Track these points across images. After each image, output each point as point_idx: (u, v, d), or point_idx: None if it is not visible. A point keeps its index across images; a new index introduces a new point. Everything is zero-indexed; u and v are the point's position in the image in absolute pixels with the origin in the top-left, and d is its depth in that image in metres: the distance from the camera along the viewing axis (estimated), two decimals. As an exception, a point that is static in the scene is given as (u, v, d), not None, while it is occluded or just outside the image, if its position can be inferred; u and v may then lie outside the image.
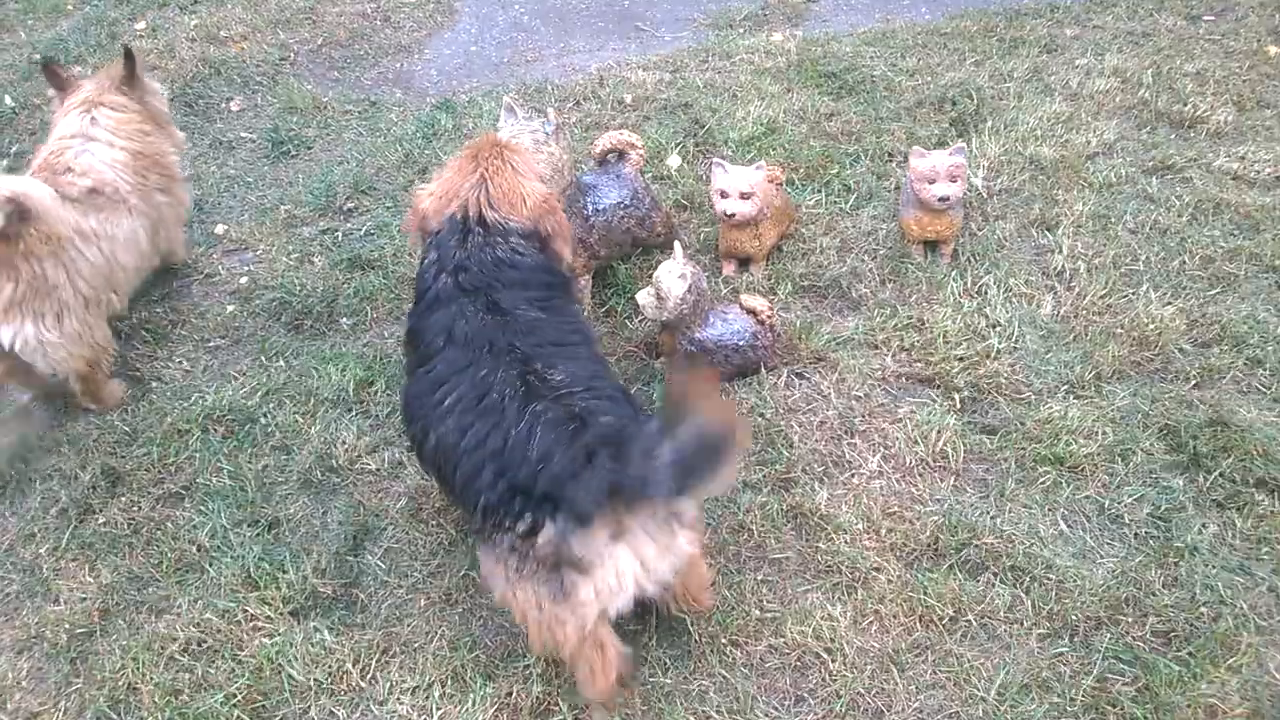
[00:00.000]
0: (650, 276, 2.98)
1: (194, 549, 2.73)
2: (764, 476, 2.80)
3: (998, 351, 3.09)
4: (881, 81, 4.42)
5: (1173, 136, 3.98)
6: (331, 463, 2.95)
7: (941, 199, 3.26)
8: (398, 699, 2.37)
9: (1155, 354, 3.06)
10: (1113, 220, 3.55)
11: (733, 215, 3.31)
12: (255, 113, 4.81)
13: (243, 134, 4.64)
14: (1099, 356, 3.04)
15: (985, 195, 3.72)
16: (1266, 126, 3.99)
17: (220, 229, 4.01)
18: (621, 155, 3.43)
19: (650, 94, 4.52)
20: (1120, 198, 3.66)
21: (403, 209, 3.95)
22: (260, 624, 2.54)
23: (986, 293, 3.30)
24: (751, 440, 2.90)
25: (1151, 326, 3.11)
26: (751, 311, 3.05)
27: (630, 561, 2.06)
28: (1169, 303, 3.21)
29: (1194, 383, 2.96)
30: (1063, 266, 3.38)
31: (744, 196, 3.29)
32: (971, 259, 3.45)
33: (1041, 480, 2.72)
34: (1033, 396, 2.97)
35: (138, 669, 2.44)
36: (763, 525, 2.67)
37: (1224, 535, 2.56)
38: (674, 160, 4.04)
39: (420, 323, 2.46)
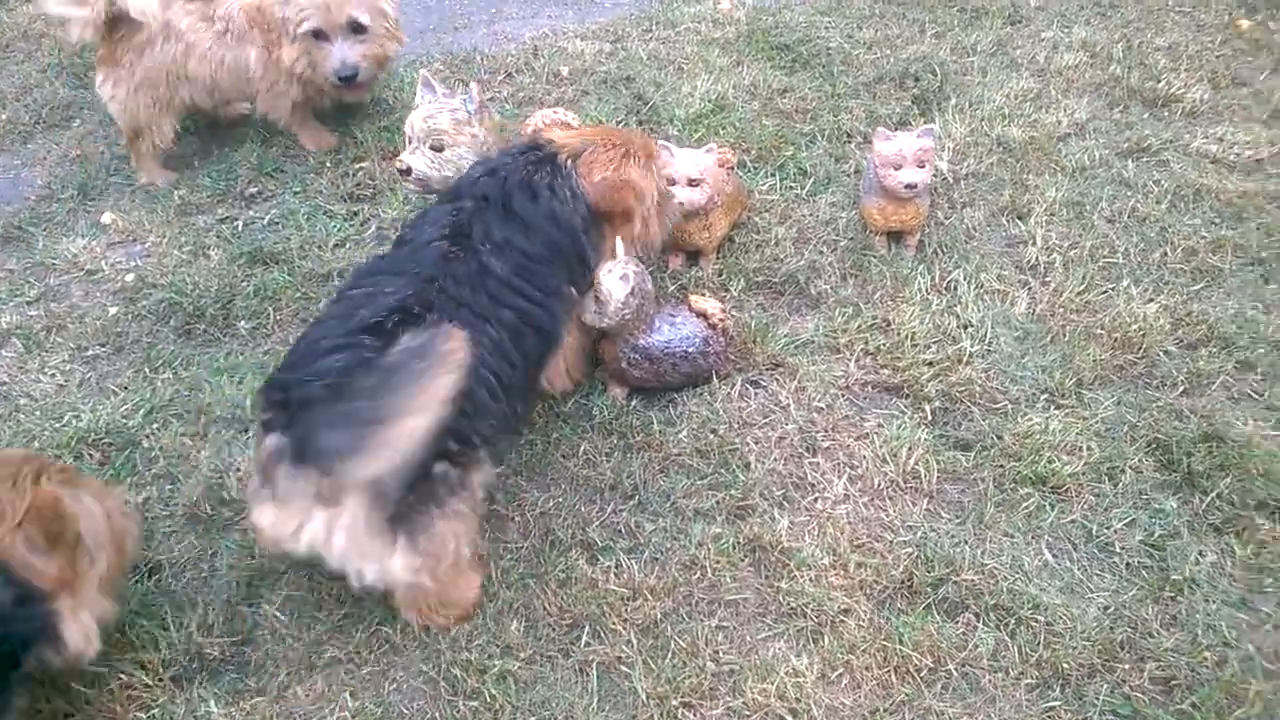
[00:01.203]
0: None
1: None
2: (717, 503, 2.50)
3: (970, 355, 2.82)
4: (838, 54, 4.10)
5: (1146, 116, 3.73)
6: (223, 494, 2.57)
7: (909, 186, 2.96)
8: (296, 782, 2.04)
9: (1139, 357, 2.80)
10: (1088, 208, 3.29)
11: (681, 204, 2.97)
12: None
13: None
14: (1079, 360, 2.78)
15: (951, 180, 3.43)
16: (1244, 106, 3.76)
17: (107, 218, 3.57)
18: (555, 137, 3.07)
19: (589, 66, 4.15)
20: (1095, 183, 3.40)
21: (312, 194, 3.55)
22: (136, 693, 2.17)
23: (956, 289, 3.02)
24: (704, 460, 2.59)
25: (1134, 326, 2.86)
26: (702, 315, 2.73)
27: (268, 518, 2.00)
28: (1151, 299, 2.96)
29: (1182, 389, 2.71)
30: (1037, 259, 3.11)
31: (692, 183, 2.95)
32: (939, 251, 3.16)
33: (1023, 503, 2.46)
34: (1009, 406, 2.70)
35: (-14, 753, 2.07)
36: (717, 561, 2.37)
37: (1223, 564, 2.31)
38: (614, 141, 3.68)
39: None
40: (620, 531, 2.47)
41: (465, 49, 4.41)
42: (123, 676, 2.19)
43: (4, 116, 4.13)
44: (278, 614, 2.33)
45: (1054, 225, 3.22)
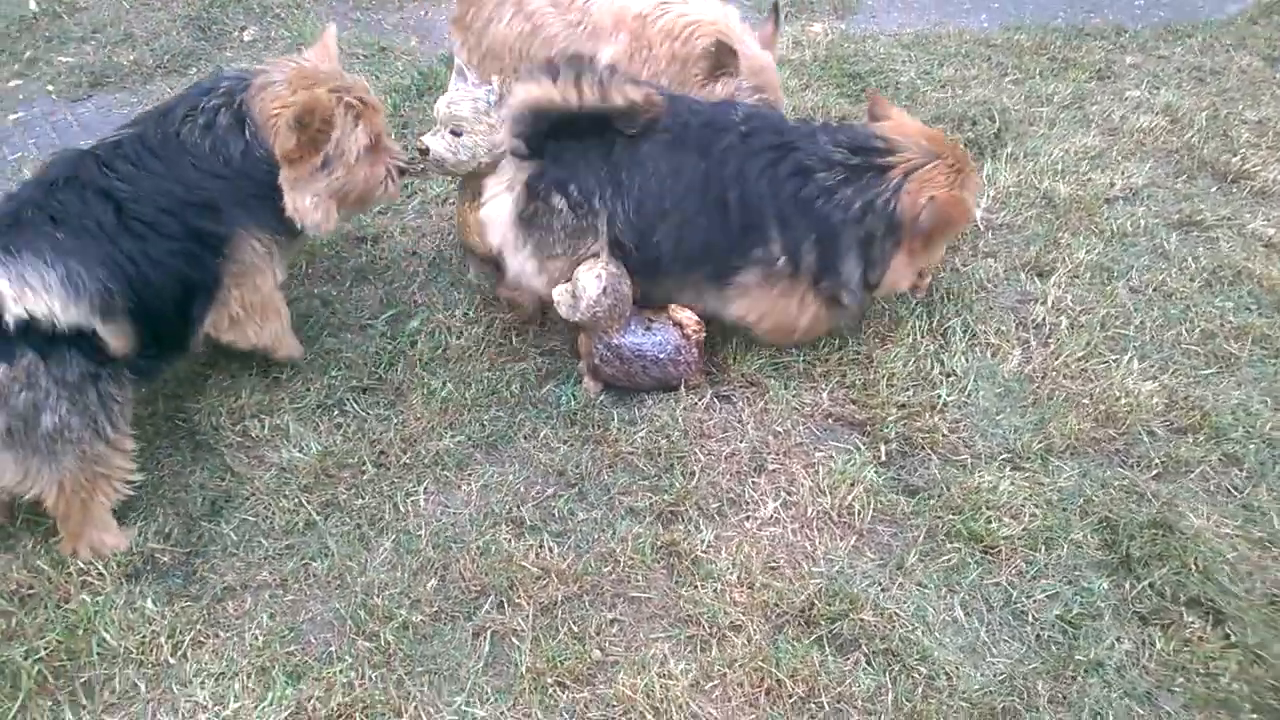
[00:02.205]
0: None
1: (54, 489, 2.64)
2: (650, 505, 2.57)
3: (943, 404, 2.79)
4: (906, 89, 4.07)
5: (1212, 189, 3.56)
6: (215, 419, 2.82)
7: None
8: (200, 683, 2.23)
9: (1120, 433, 2.71)
10: (1115, 275, 3.18)
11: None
12: (265, 45, 4.70)
13: (245, 65, 4.52)
14: (1054, 426, 2.71)
15: (982, 228, 3.38)
16: (1321, 192, 3.54)
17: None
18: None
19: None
20: (1131, 250, 3.28)
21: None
22: (90, 579, 2.43)
23: (950, 337, 2.98)
24: (651, 462, 2.67)
25: (1124, 401, 2.77)
26: (678, 324, 2.80)
27: None
28: (1153, 378, 2.85)
29: (1155, 472, 2.61)
30: (1043, 319, 3.03)
31: (701, 197, 3.02)
32: (946, 297, 3.13)
33: (948, 556, 2.43)
34: (969, 460, 2.66)
35: (-43, 607, 2.36)
36: (632, 558, 2.45)
37: (1138, 655, 2.23)
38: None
39: None
40: (553, 515, 2.57)
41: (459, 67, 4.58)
42: (81, 564, 2.45)
43: (132, 57, 4.56)
44: (231, 534, 2.55)
45: (1073, 288, 3.13)
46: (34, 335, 2.21)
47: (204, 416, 2.83)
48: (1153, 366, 2.89)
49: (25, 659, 2.24)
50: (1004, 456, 2.67)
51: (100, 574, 2.43)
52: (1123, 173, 3.58)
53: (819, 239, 2.69)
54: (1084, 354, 2.91)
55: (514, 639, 2.30)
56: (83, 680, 2.25)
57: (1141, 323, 3.01)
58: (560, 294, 2.75)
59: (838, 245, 2.70)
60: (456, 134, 2.89)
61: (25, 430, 2.25)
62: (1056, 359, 2.91)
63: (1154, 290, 3.13)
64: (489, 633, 2.31)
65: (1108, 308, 3.06)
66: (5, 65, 4.58)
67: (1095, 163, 3.65)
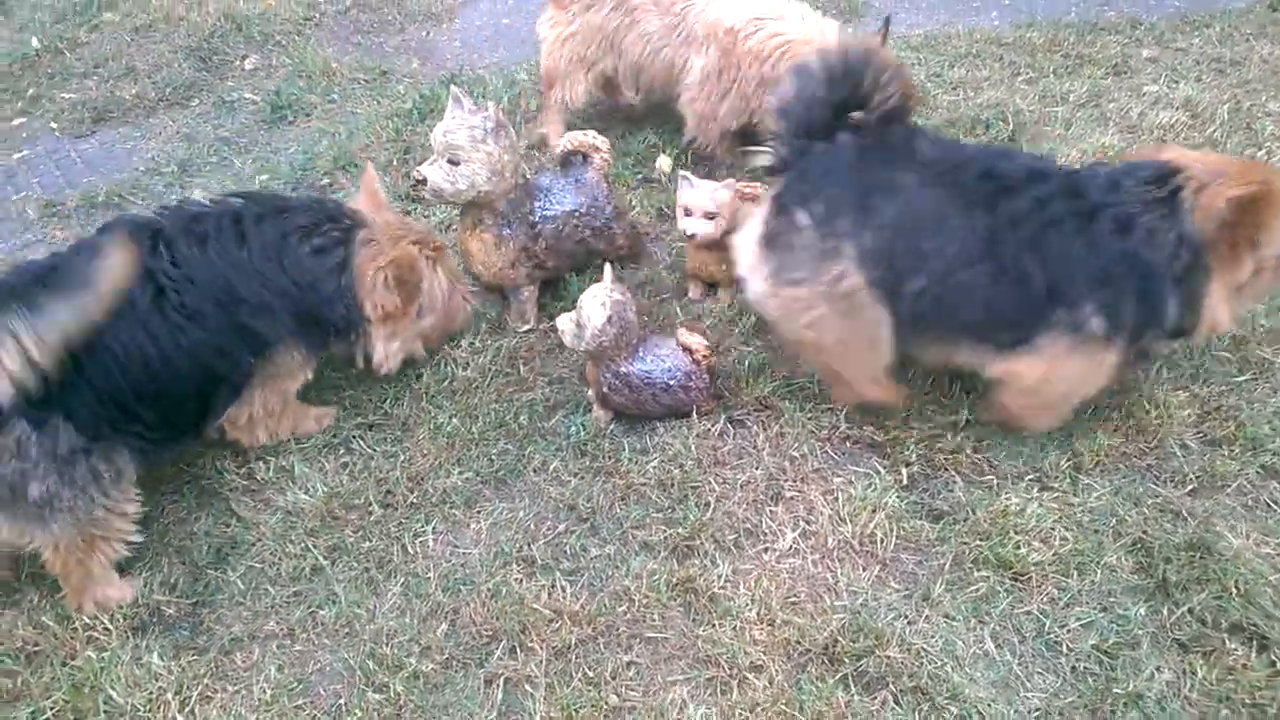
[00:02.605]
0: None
1: (58, 541, 2.60)
2: (665, 539, 2.49)
3: (967, 422, 2.69)
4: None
5: (1238, 186, 3.44)
6: (219, 463, 2.77)
7: (689, 236, 2.86)
8: (208, 742, 2.18)
9: (1151, 447, 2.61)
10: (1140, 280, 3.07)
11: (693, 236, 2.97)
12: (267, 73, 4.67)
13: (247, 95, 4.50)
14: (1082, 443, 2.61)
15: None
16: (1354, 184, 3.41)
17: (198, 194, 3.86)
18: (585, 158, 3.13)
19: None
20: (1155, 254, 3.16)
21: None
22: (96, 634, 2.38)
23: (971, 351, 2.88)
24: (664, 493, 2.59)
25: (1154, 413, 2.66)
26: (687, 349, 2.72)
27: None
28: (1184, 387, 2.74)
29: (1190, 488, 2.51)
30: (1067, 329, 2.93)
31: (708, 216, 2.95)
32: (964, 309, 3.03)
33: (976, 585, 2.33)
34: (995, 481, 2.57)
35: (-39, 668, 2.32)
36: (647, 596, 2.37)
37: (1180, 685, 2.13)
38: (664, 162, 3.71)
39: None
40: (564, 553, 2.50)
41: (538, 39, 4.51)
42: (86, 619, 2.40)
43: (134, 90, 4.54)
44: (238, 582, 2.49)
45: (1096, 295, 3.02)
46: (27, 406, 2.16)
47: (208, 460, 2.78)
48: (1183, 376, 2.78)
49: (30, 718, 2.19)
50: (1031, 476, 2.56)
51: (106, 629, 2.38)
52: (1144, 172, 3.46)
53: (1141, 289, 2.36)
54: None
55: (527, 686, 2.23)
56: (88, 740, 2.20)
57: (1170, 329, 2.90)
58: (564, 323, 2.68)
59: (1161, 290, 2.36)
60: (454, 163, 2.83)
61: (14, 497, 2.23)
62: (1082, 371, 2.80)
63: (1181, 295, 3.01)
64: (502, 680, 2.24)
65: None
66: (9, 103, 4.57)
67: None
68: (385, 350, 2.74)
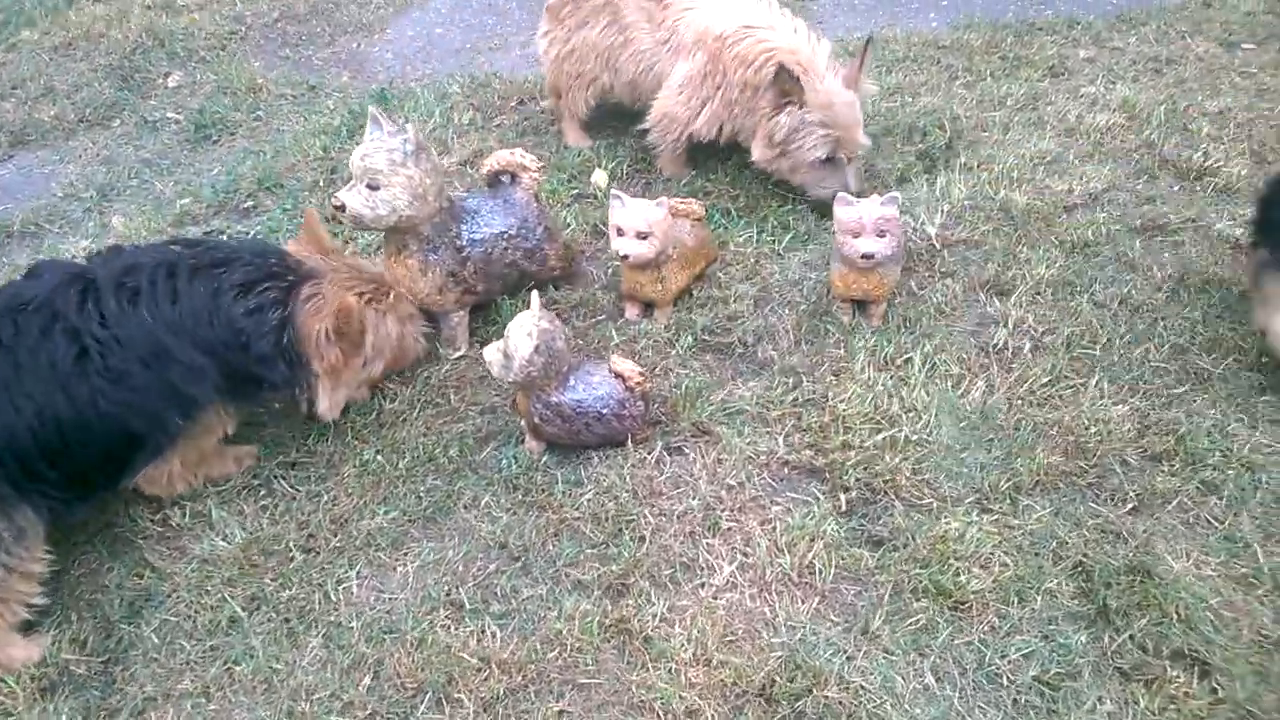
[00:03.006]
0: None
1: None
2: (599, 576, 2.41)
3: (904, 443, 2.63)
4: (854, 100, 3.91)
5: (1175, 188, 3.42)
6: (132, 509, 2.64)
7: (865, 256, 2.79)
8: (116, 814, 2.06)
9: (1091, 465, 2.56)
10: (1078, 289, 3.03)
11: (626, 256, 2.89)
12: (191, 90, 4.52)
13: (170, 114, 4.35)
14: (1022, 462, 2.56)
15: (938, 246, 3.23)
16: (1288, 185, 3.40)
17: (116, 221, 3.73)
18: (514, 177, 3.03)
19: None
20: (1094, 261, 3.13)
21: (298, 214, 3.61)
22: (2, 699, 2.25)
23: (909, 368, 2.83)
24: (599, 528, 2.51)
25: (1094, 429, 2.62)
26: (620, 376, 2.64)
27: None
28: (1123, 400, 2.70)
29: (1130, 506, 2.46)
30: (1005, 343, 2.88)
31: (640, 236, 2.86)
32: (903, 325, 2.97)
33: (916, 617, 2.27)
34: (934, 504, 2.51)
35: None
36: (580, 639, 2.28)
37: (1121, 716, 2.08)
38: (599, 177, 3.62)
39: None
40: (495, 594, 2.41)
41: (487, 72, 4.41)
42: (-8, 682, 2.27)
43: (53, 113, 4.38)
44: (152, 636, 2.38)
45: (1035, 306, 2.99)
46: None
47: (121, 507, 2.65)
48: (1122, 388, 2.74)
49: (-75, 802, 2.07)
50: (971, 499, 2.51)
51: (12, 691, 2.26)
52: (1081, 177, 3.43)
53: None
54: (1049, 379, 2.77)
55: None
56: (-8, 819, 2.08)
57: (1109, 340, 2.87)
58: (491, 353, 2.58)
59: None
60: (374, 188, 2.72)
61: None
62: (1021, 386, 2.76)
63: (1120, 304, 2.98)
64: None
65: (1072, 326, 2.91)
66: (-80, 128, 4.39)
67: (1052, 168, 3.50)
68: (330, 401, 2.66)
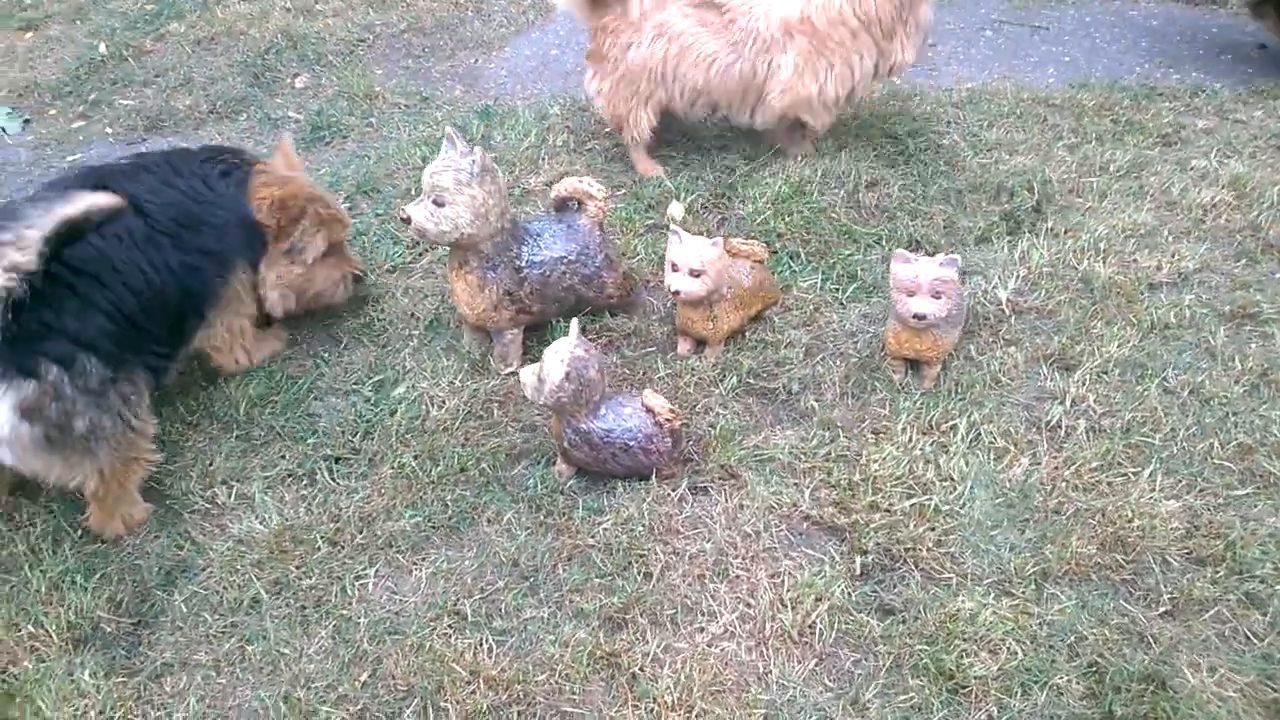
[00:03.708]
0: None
1: (25, 548, 2.67)
2: (600, 606, 2.43)
3: (934, 512, 2.56)
4: (947, 153, 3.83)
5: (1275, 275, 3.20)
6: (186, 483, 2.82)
7: (917, 316, 2.73)
8: (119, 768, 2.20)
9: (1129, 559, 2.43)
10: (1149, 373, 2.88)
11: (678, 292, 2.91)
12: (314, 92, 4.78)
13: (291, 113, 4.61)
14: (1053, 549, 2.45)
15: (1007, 311, 3.12)
16: (1407, 284, 3.15)
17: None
18: (580, 204, 3.10)
19: (692, 130, 4.12)
20: (1171, 345, 2.97)
21: (389, 219, 3.77)
22: (37, 644, 2.44)
23: (952, 435, 2.75)
24: (609, 558, 2.53)
25: (1138, 523, 2.48)
26: (650, 411, 2.66)
27: None
28: (1175, 496, 2.56)
29: (1164, 609, 2.33)
30: (1059, 420, 2.77)
31: (693, 273, 2.88)
32: (954, 389, 2.89)
33: (910, 694, 2.21)
34: (954, 580, 2.43)
35: (-90, 667, 2.39)
36: (570, 668, 2.31)
37: (1110, 830, 1.97)
38: (676, 209, 3.65)
39: None
40: (499, 610, 2.46)
41: (588, 97, 4.50)
42: (32, 628, 2.46)
43: (188, 102, 4.70)
44: (181, 606, 2.53)
45: (1099, 385, 2.85)
46: (53, 347, 2.38)
47: (176, 480, 2.83)
48: (1178, 483, 2.59)
49: (-43, 728, 2.25)
50: (993, 579, 2.42)
51: (47, 638, 2.44)
52: (1174, 254, 3.26)
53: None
54: (1100, 464, 2.64)
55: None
56: (13, 751, 2.25)
57: (1171, 430, 2.71)
58: (526, 375, 2.65)
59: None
60: (439, 204, 2.83)
61: (62, 435, 2.43)
62: (1068, 468, 2.64)
63: (1190, 393, 2.81)
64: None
65: (1135, 411, 2.77)
66: (72, 107, 4.79)
67: (1144, 242, 3.33)
68: (268, 284, 3.06)
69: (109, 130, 4.61)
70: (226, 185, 2.95)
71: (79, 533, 2.67)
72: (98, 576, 2.58)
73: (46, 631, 2.44)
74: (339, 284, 3.25)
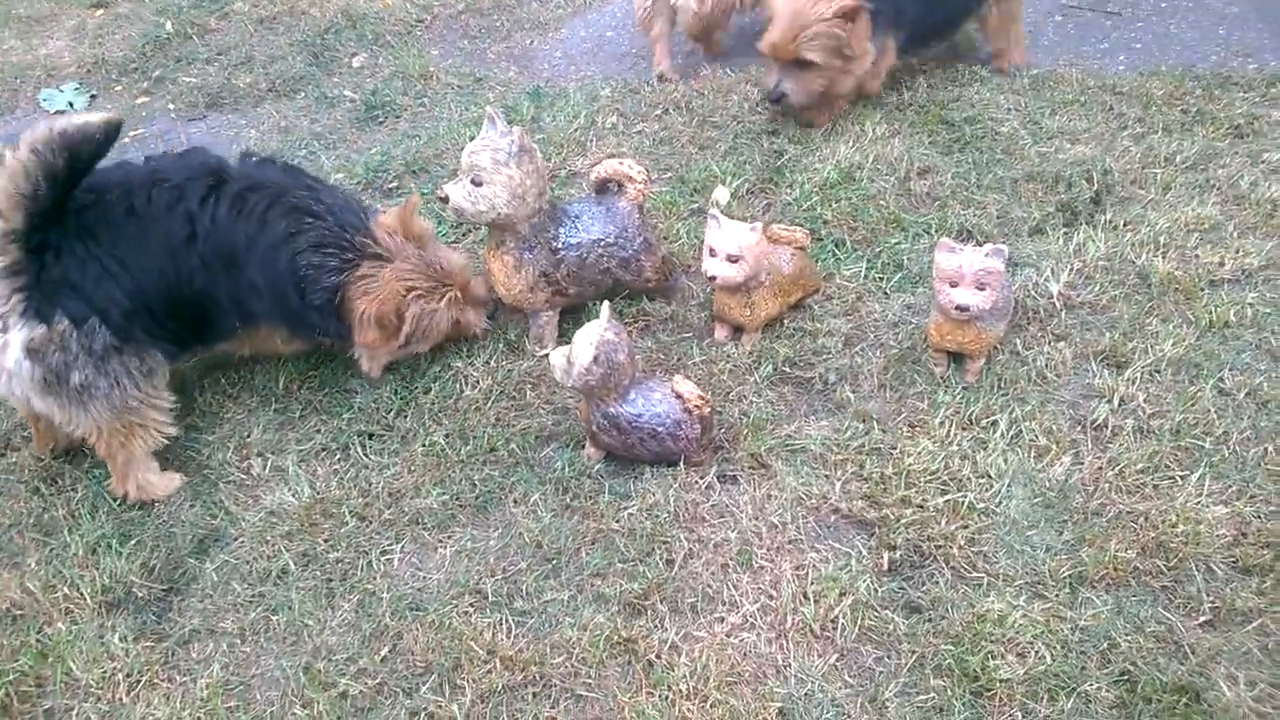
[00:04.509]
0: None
1: (65, 512, 2.74)
2: (620, 592, 2.41)
3: (968, 509, 2.48)
4: (1004, 141, 3.71)
5: (1349, 277, 3.04)
6: (223, 454, 2.87)
7: (960, 308, 2.65)
8: (144, 728, 2.25)
9: (1170, 566, 2.33)
10: (1204, 373, 2.75)
11: (714, 277, 2.87)
12: (371, 72, 4.81)
13: (347, 92, 4.65)
14: (1091, 551, 2.36)
15: (1059, 305, 3.01)
16: None
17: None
18: (620, 187, 3.07)
19: (742, 114, 4.06)
20: (1229, 345, 2.83)
21: (433, 198, 3.78)
22: (73, 605, 2.51)
23: (991, 432, 2.66)
24: (632, 543, 2.51)
25: (1182, 528, 2.38)
26: (679, 397, 2.62)
27: None
28: (1224, 501, 2.44)
29: (1204, 619, 2.23)
30: (1105, 420, 2.66)
31: (730, 259, 2.83)
32: (998, 384, 2.80)
33: (932, 696, 2.15)
34: (985, 580, 2.36)
35: (-46, 622, 2.48)
36: (587, 652, 2.30)
37: (1134, 846, 1.90)
38: (722, 193, 3.59)
39: None
40: (520, 591, 2.46)
41: (640, 79, 4.46)
42: (68, 590, 2.53)
43: (248, 80, 4.78)
44: (212, 574, 2.58)
45: (1149, 385, 2.74)
46: (70, 304, 2.49)
47: (214, 450, 2.88)
48: (1227, 488, 2.47)
49: (-7, 682, 2.33)
50: (1025, 580, 2.34)
51: (81, 600, 2.51)
52: (1238, 250, 3.11)
53: None
54: (1145, 465, 2.53)
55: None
56: (45, 708, 2.32)
57: (1224, 433, 2.59)
58: (556, 357, 2.63)
59: None
60: (477, 184, 2.83)
61: (58, 383, 2.53)
62: (1112, 469, 2.54)
63: (1246, 395, 2.68)
64: (424, 715, 2.22)
65: (1186, 412, 2.65)
66: (136, 83, 4.90)
67: (1207, 237, 3.18)
68: (370, 364, 2.98)
69: (171, 106, 4.71)
70: (317, 276, 2.76)
71: (117, 500, 2.73)
72: (133, 542, 2.64)
73: (81, 594, 2.51)
74: (468, 330, 3.09)
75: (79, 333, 2.51)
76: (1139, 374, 2.77)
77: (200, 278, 2.69)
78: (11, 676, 2.34)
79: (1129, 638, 2.20)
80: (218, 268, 2.70)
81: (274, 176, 2.83)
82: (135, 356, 2.63)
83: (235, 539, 2.65)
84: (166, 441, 2.76)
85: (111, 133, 2.45)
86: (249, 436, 2.90)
